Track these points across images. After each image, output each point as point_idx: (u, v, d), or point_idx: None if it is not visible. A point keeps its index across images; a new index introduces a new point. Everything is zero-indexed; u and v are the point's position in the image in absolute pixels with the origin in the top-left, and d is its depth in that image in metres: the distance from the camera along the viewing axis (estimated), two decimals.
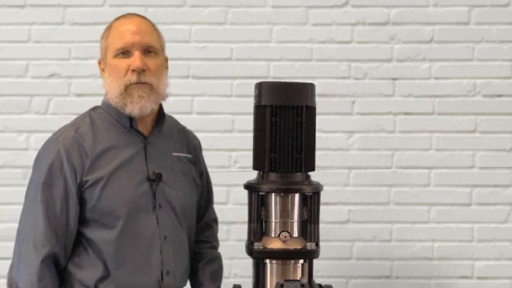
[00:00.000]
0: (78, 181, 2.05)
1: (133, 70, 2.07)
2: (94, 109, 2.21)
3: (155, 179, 2.11)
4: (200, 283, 2.29)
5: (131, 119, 2.12)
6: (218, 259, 2.37)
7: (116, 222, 2.05)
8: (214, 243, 2.39)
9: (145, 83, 2.08)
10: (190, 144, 2.32)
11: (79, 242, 2.08)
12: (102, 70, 2.17)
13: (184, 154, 2.26)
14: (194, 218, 2.29)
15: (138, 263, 2.08)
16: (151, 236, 2.10)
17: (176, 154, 2.23)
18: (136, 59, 2.07)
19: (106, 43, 2.13)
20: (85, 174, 2.06)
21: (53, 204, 2.04)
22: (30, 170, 2.14)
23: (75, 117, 2.22)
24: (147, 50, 2.10)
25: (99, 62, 2.19)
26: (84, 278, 2.06)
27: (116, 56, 2.09)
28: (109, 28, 2.16)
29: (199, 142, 2.38)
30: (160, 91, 2.12)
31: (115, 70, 2.09)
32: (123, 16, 2.18)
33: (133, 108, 2.08)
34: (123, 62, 2.08)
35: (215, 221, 2.44)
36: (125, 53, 2.08)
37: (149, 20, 2.18)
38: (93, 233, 2.06)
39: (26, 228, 2.06)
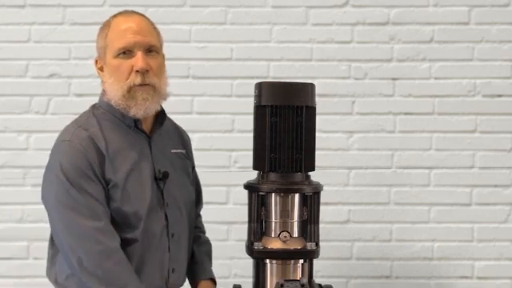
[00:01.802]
0: (101, 179, 2.03)
1: (136, 71, 2.04)
2: (94, 107, 2.17)
3: (162, 178, 2.11)
4: (197, 261, 2.29)
5: (135, 119, 2.11)
6: (209, 242, 2.42)
7: (138, 222, 2.05)
8: (203, 229, 2.44)
9: (148, 85, 2.06)
10: (183, 140, 2.33)
11: None
12: (100, 69, 2.14)
13: (180, 150, 2.27)
14: (194, 212, 2.31)
15: (146, 260, 2.08)
16: (161, 234, 2.10)
17: (174, 151, 2.24)
18: (139, 60, 2.04)
19: (105, 42, 2.09)
20: (105, 174, 2.03)
21: (96, 200, 1.99)
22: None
23: (75, 117, 2.20)
24: (149, 50, 2.08)
25: (96, 61, 2.16)
26: None
27: (117, 56, 2.06)
28: (107, 26, 2.11)
29: (189, 137, 2.39)
30: (162, 91, 2.11)
31: (117, 71, 2.05)
32: (121, 14, 2.14)
33: (137, 110, 2.06)
34: (126, 63, 2.05)
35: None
36: (126, 53, 2.05)
37: (147, 18, 2.16)
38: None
39: (83, 233, 1.98)
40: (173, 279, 2.13)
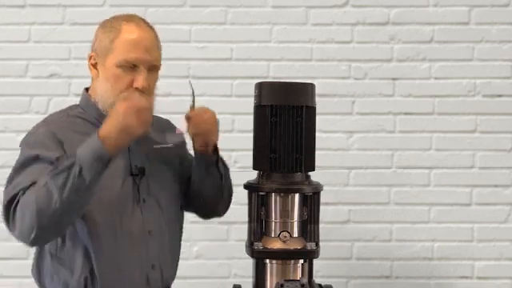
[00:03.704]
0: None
1: (136, 88, 2.02)
2: (71, 108, 2.17)
3: (138, 174, 2.09)
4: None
5: None
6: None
7: (99, 216, 2.02)
8: None
9: None
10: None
11: (64, 238, 2.03)
12: (93, 66, 2.11)
13: (166, 145, 2.21)
14: (179, 210, 2.25)
15: (123, 258, 2.05)
16: (135, 231, 2.07)
17: (158, 146, 2.18)
18: (142, 79, 2.02)
19: (111, 45, 2.05)
20: None
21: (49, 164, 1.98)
22: None
23: None
24: (151, 68, 2.06)
25: (90, 56, 2.12)
26: (70, 272, 2.02)
27: (120, 66, 2.03)
28: (116, 30, 2.06)
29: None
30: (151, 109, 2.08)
31: (117, 82, 2.03)
32: (132, 21, 2.08)
33: None
34: (127, 77, 2.02)
35: None
36: (131, 66, 2.03)
37: (155, 31, 2.12)
38: (77, 227, 2.01)
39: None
40: (154, 275, 2.10)
